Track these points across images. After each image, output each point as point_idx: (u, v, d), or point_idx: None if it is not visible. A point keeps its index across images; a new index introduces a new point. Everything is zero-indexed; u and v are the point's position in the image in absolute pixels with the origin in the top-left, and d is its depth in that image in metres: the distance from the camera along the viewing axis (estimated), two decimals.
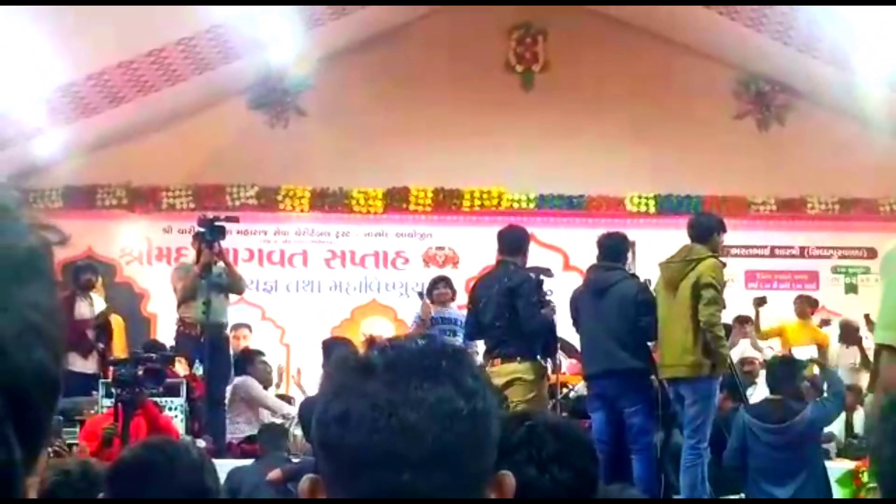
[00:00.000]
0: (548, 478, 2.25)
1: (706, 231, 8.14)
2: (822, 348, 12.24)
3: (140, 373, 6.93)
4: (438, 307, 10.81)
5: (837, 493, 8.59)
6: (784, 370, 8.07)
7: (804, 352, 11.37)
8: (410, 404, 1.21)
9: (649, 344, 8.39)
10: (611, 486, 3.72)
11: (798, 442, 7.58)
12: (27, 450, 0.80)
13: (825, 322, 13.28)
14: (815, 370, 9.72)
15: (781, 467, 7.57)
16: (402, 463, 1.20)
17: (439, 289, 10.97)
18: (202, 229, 9.62)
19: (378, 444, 1.20)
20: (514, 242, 8.53)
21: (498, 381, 7.97)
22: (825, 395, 8.34)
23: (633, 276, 8.89)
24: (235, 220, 10.17)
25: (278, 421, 9.71)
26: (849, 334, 12.28)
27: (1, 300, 0.80)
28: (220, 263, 9.77)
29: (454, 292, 11.09)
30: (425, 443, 1.20)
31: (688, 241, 8.16)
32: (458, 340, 10.26)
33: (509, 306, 8.13)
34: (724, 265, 8.13)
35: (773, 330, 12.32)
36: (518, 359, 8.11)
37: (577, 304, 8.45)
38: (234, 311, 10.76)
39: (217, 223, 9.62)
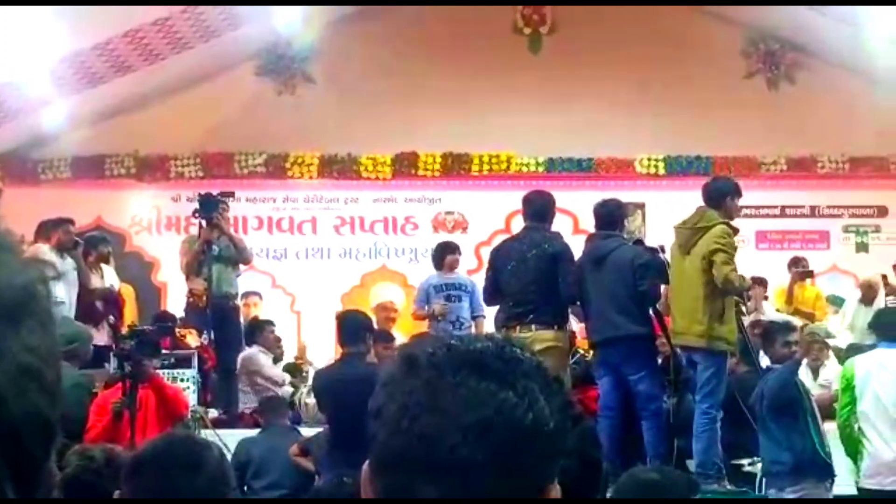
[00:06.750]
0: None
1: (719, 195, 8.05)
2: (819, 307, 12.41)
3: (134, 345, 6.95)
4: (447, 273, 10.72)
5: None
6: (761, 339, 7.80)
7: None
8: (439, 410, 1.13)
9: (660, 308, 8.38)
10: (636, 469, 3.72)
11: (767, 414, 7.25)
12: (22, 492, 0.79)
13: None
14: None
15: (769, 437, 7.36)
16: (415, 469, 1.15)
17: (456, 255, 10.87)
18: (198, 206, 9.74)
19: (396, 447, 1.16)
20: (542, 209, 8.52)
21: (535, 347, 7.95)
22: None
23: (639, 241, 8.82)
24: (231, 194, 10.22)
25: (279, 392, 9.68)
26: (868, 294, 12.23)
27: None
28: (223, 237, 9.79)
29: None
30: (441, 452, 1.13)
31: (700, 202, 8.07)
32: (465, 305, 10.30)
33: (549, 272, 8.09)
34: (737, 231, 8.05)
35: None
36: (555, 326, 8.11)
37: (579, 274, 8.42)
38: (243, 280, 10.75)
39: (211, 198, 9.69)
